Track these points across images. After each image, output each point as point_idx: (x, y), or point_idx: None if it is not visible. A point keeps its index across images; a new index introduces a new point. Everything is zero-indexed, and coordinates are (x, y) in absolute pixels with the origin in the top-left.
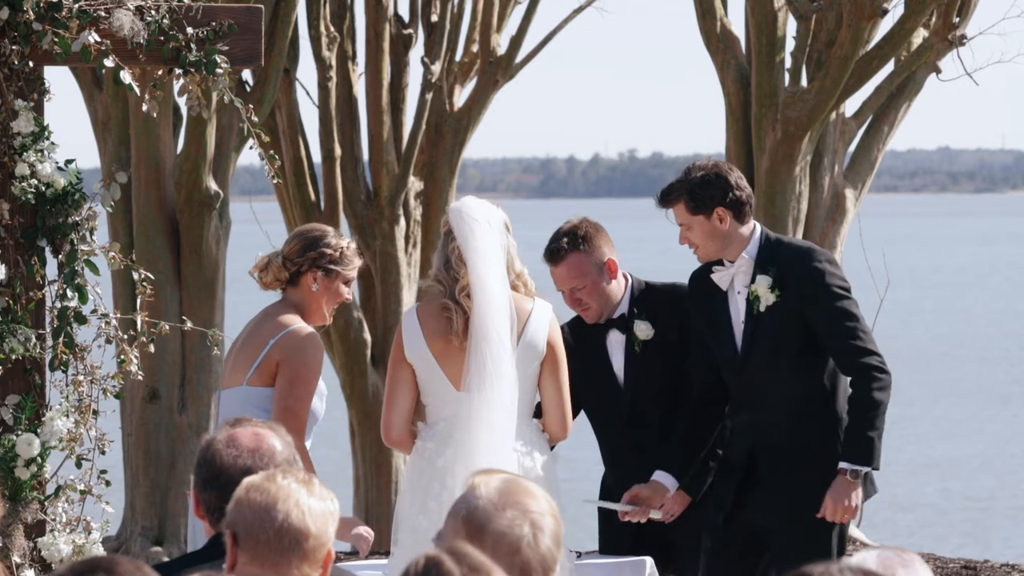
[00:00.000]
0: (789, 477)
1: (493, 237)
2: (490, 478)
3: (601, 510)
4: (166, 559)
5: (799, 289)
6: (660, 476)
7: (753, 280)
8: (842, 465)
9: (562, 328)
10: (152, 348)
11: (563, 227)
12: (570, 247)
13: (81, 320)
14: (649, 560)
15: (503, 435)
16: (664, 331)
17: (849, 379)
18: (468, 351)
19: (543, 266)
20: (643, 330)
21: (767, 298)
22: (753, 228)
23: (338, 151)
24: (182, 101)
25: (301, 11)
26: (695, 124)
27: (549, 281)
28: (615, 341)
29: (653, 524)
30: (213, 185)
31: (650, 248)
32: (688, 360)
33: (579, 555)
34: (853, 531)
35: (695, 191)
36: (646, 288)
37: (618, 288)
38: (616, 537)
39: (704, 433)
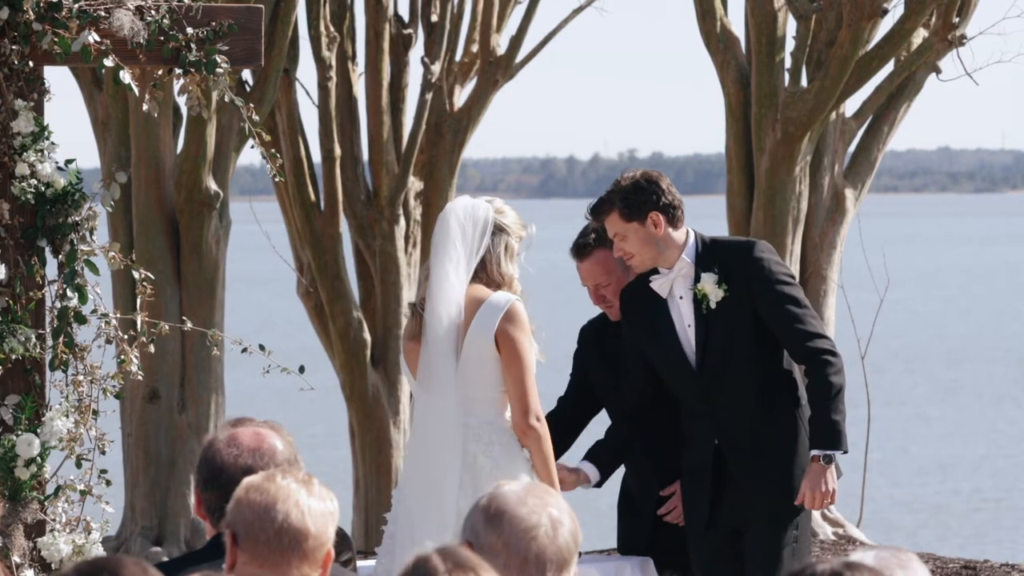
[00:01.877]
0: (759, 473)
1: (449, 240)
2: (515, 482)
3: (621, 512)
4: (166, 559)
5: (746, 280)
6: (584, 464)
7: (698, 280)
8: (813, 452)
9: (591, 324)
10: (152, 348)
11: (591, 223)
12: (597, 243)
13: (81, 320)
14: (650, 561)
15: (443, 436)
16: None
17: (804, 368)
18: (420, 354)
19: (549, 264)
20: None
21: (715, 294)
22: (687, 233)
23: (338, 151)
24: (182, 101)
25: (301, 11)
26: (695, 124)
27: (575, 275)
28: None
29: (668, 527)
30: (213, 185)
31: None
32: (626, 378)
33: (580, 555)
34: (853, 531)
35: (628, 197)
36: None
37: None
38: (632, 540)
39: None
